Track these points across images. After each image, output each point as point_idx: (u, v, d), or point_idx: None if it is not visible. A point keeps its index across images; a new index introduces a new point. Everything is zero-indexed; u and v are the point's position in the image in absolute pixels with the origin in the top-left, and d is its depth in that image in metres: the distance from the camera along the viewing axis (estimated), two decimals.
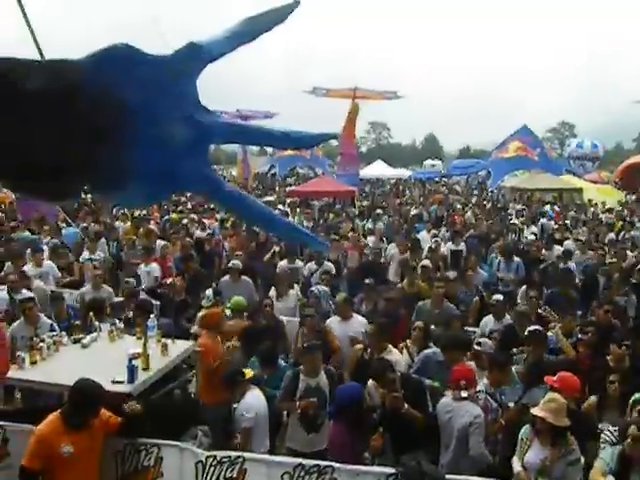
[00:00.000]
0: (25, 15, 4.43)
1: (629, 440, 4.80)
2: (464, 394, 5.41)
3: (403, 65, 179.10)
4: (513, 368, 6.34)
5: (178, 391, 7.24)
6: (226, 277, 10.34)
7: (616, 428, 5.27)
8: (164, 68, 1.54)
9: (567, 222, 18.03)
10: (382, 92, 31.10)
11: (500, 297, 8.34)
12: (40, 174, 1.66)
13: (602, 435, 5.31)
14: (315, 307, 8.49)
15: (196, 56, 1.56)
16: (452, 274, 10.19)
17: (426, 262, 10.64)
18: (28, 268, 10.35)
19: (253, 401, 5.78)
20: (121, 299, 9.50)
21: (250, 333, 7.66)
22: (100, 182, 1.73)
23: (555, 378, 5.69)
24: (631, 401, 5.46)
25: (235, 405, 5.96)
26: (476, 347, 6.74)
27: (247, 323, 8.07)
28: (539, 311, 8.38)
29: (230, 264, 10.63)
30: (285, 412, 6.55)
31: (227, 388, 6.11)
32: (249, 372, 6.06)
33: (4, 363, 2.72)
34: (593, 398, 6.12)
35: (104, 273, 10.68)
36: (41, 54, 3.91)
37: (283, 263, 11.47)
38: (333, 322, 7.91)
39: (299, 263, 11.61)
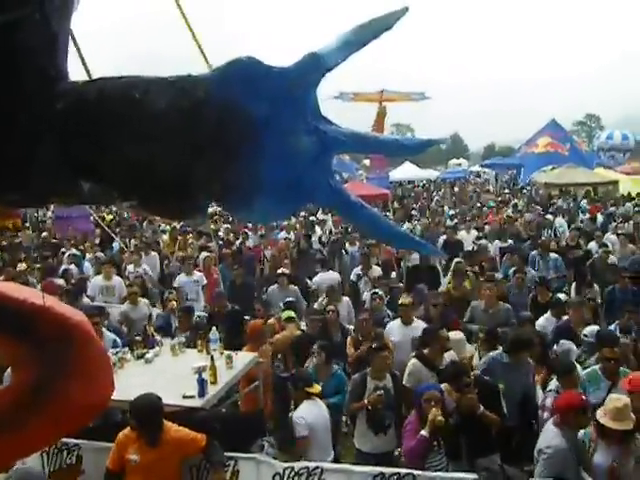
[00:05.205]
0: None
1: None
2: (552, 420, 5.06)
3: (425, 65, 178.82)
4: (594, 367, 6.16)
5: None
6: (274, 285, 10.34)
7: None
8: (288, 80, 1.52)
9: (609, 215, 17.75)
10: (409, 93, 31.01)
11: (562, 296, 8.20)
12: (167, 192, 1.65)
13: None
14: (372, 311, 8.45)
15: (317, 66, 1.55)
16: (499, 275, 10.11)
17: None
18: (99, 280, 10.44)
19: (306, 411, 5.72)
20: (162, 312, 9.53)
21: (301, 342, 7.57)
22: (228, 198, 1.71)
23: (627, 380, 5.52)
24: None
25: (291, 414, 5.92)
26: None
27: (298, 332, 7.94)
28: None
29: (279, 272, 10.61)
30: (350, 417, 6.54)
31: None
32: (317, 387, 5.97)
33: (109, 382, 2.69)
34: None
35: (139, 287, 10.18)
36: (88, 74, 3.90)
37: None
38: (395, 326, 7.82)
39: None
